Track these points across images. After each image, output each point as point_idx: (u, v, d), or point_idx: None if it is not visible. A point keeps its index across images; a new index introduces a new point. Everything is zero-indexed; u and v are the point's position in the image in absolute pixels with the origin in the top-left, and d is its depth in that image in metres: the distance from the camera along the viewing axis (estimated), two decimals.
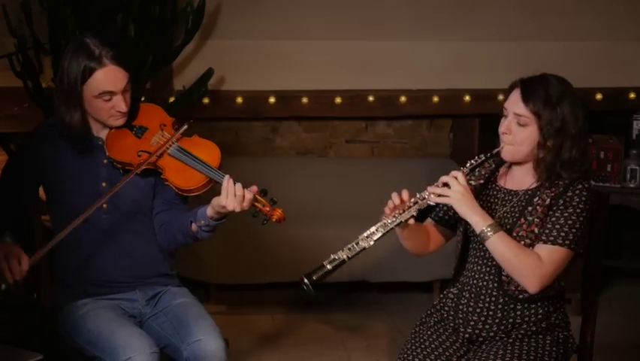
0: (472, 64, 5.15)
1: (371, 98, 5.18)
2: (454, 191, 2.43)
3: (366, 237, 2.47)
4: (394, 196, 2.49)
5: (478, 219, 2.43)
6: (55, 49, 4.21)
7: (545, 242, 2.45)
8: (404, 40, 5.11)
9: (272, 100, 5.06)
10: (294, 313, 4.63)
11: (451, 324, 2.61)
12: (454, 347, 2.56)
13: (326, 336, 4.34)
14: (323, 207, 5.02)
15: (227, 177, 2.56)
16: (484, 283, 2.54)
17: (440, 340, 2.58)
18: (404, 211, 2.46)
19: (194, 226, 2.69)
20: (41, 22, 4.25)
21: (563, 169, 2.48)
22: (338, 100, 5.14)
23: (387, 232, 2.47)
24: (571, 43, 5.20)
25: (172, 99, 4.63)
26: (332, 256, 2.46)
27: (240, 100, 5.02)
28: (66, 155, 2.74)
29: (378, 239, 2.47)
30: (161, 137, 2.72)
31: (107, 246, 2.74)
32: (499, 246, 2.42)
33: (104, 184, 2.74)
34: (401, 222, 2.46)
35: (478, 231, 2.43)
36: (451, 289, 2.65)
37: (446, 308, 2.63)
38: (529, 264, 2.42)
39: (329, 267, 2.43)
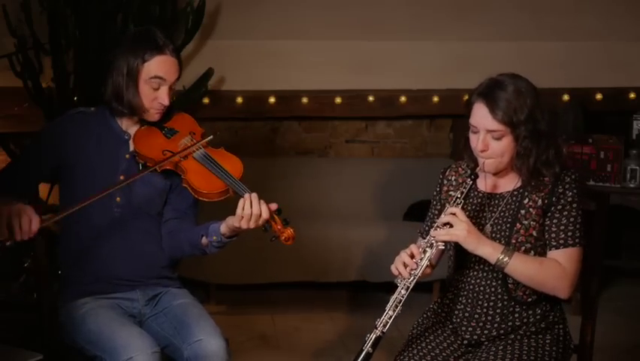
0: (472, 64, 5.14)
1: (371, 98, 5.18)
2: (459, 229, 2.41)
3: (394, 306, 2.44)
4: (404, 256, 2.45)
5: (489, 250, 2.42)
6: (55, 49, 4.21)
7: (557, 247, 2.46)
8: (404, 40, 5.12)
9: (272, 100, 5.06)
10: (294, 314, 4.63)
11: (450, 326, 2.60)
12: (452, 348, 2.56)
13: (326, 336, 4.34)
14: (323, 207, 5.02)
15: (246, 194, 2.58)
16: (482, 288, 2.53)
17: (438, 341, 2.57)
18: (417, 266, 2.43)
19: (204, 240, 2.72)
20: (41, 22, 4.25)
21: (544, 167, 2.46)
22: (338, 100, 5.14)
23: (410, 289, 2.45)
24: (571, 43, 5.20)
25: (172, 99, 4.63)
26: (367, 338, 2.45)
27: (240, 100, 5.02)
28: (90, 142, 2.77)
29: (404, 301, 2.45)
30: (189, 141, 2.77)
31: (114, 241, 2.76)
32: (519, 268, 2.42)
33: (121, 177, 2.76)
34: (417, 276, 2.45)
35: (493, 261, 2.42)
36: (447, 295, 2.64)
37: (443, 314, 2.63)
38: (553, 274, 2.43)
39: (370, 350, 2.43)
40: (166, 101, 2.74)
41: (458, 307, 2.57)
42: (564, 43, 5.19)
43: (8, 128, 4.47)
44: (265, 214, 2.56)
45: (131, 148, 2.78)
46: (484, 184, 2.58)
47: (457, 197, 2.45)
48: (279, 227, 2.59)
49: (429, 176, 5.12)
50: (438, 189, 2.67)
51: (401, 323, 4.29)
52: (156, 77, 2.71)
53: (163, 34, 2.78)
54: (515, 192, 2.52)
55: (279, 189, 4.89)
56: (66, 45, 4.26)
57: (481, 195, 2.57)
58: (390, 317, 2.43)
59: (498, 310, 2.51)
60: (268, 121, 5.28)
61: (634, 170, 4.54)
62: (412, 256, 2.44)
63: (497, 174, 2.54)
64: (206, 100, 4.84)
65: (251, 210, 2.55)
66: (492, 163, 2.47)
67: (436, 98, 5.18)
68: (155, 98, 2.73)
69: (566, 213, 2.46)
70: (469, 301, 2.55)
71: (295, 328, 4.44)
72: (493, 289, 2.52)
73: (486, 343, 2.53)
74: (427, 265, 2.45)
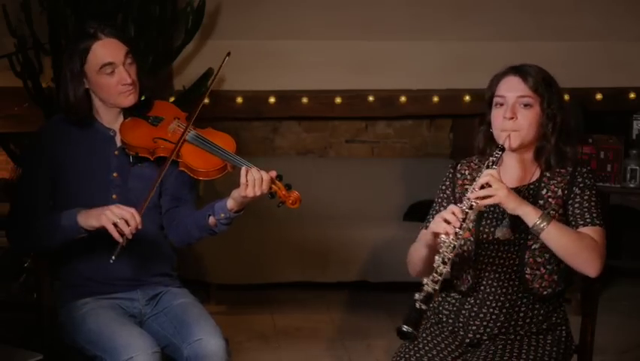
0: (472, 64, 5.14)
1: (371, 98, 5.18)
2: (498, 188, 2.37)
3: (442, 263, 2.34)
4: (447, 214, 2.36)
5: (529, 210, 2.38)
6: (55, 49, 4.21)
7: (585, 225, 2.45)
8: (404, 40, 5.12)
9: (272, 100, 5.06)
10: (294, 313, 4.63)
11: (451, 327, 2.60)
12: (450, 348, 2.55)
13: (326, 336, 4.34)
14: (323, 207, 5.02)
15: (243, 168, 2.60)
16: (493, 288, 2.52)
17: (436, 341, 2.57)
18: (461, 227, 2.35)
19: (211, 220, 2.70)
20: (41, 22, 4.26)
21: (567, 145, 2.49)
22: (338, 100, 5.15)
23: (455, 248, 2.35)
24: (571, 43, 5.20)
25: (172, 99, 4.63)
26: (418, 295, 2.32)
27: (240, 100, 5.02)
28: (75, 148, 2.75)
29: (453, 258, 2.36)
30: (177, 126, 2.75)
31: (109, 243, 2.74)
32: (558, 234, 2.38)
33: (114, 175, 2.75)
34: (461, 235, 2.36)
35: (531, 223, 2.37)
36: (452, 294, 2.62)
37: (445, 312, 2.62)
38: (588, 245, 2.41)
39: (423, 306, 2.30)
40: (127, 79, 2.68)
41: (466, 306, 2.56)
42: (564, 43, 5.19)
43: (8, 128, 4.48)
44: (266, 177, 2.59)
45: (119, 144, 2.76)
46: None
47: (490, 164, 2.41)
48: (283, 192, 2.63)
49: (429, 176, 5.15)
50: (448, 183, 2.63)
51: (401, 323, 4.28)
52: (104, 65, 2.67)
53: (94, 22, 2.71)
54: (532, 185, 2.52)
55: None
56: (66, 45, 4.26)
57: None
58: (440, 273, 2.32)
59: (504, 310, 2.51)
60: (268, 121, 5.28)
61: (634, 170, 4.54)
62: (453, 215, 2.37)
63: (512, 163, 2.52)
64: (206, 100, 4.83)
65: (253, 176, 2.57)
66: (517, 136, 2.46)
67: (436, 98, 5.18)
68: (116, 82, 2.68)
69: (587, 197, 2.47)
70: (477, 302, 2.54)
71: (295, 328, 4.44)
72: (504, 290, 2.50)
73: (487, 342, 2.53)
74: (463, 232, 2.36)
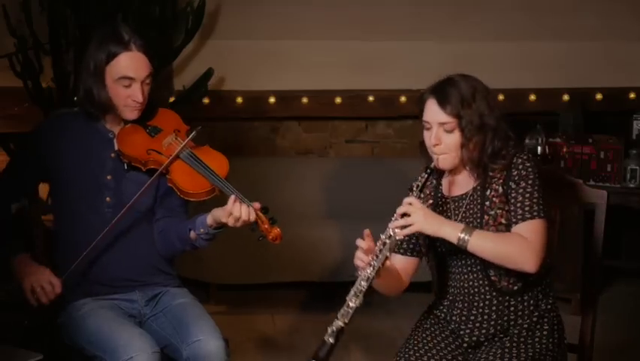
0: (472, 64, 5.11)
1: (371, 98, 5.18)
2: (416, 215, 2.42)
3: (354, 295, 2.44)
4: (360, 242, 2.48)
5: (449, 230, 2.41)
6: (55, 49, 4.22)
7: (517, 222, 2.45)
8: (404, 40, 5.12)
9: (272, 100, 5.07)
10: (294, 314, 4.63)
11: (449, 327, 2.60)
12: (450, 348, 2.56)
13: None
14: (323, 207, 5.02)
15: (232, 197, 2.59)
16: (476, 289, 2.53)
17: (435, 341, 2.57)
18: (377, 257, 2.44)
19: (192, 234, 2.70)
20: (41, 22, 4.26)
21: (491, 161, 2.49)
22: (338, 100, 5.15)
23: (371, 281, 2.45)
24: (571, 43, 5.20)
25: (172, 99, 4.64)
26: (329, 329, 2.42)
27: (240, 100, 5.02)
28: (72, 147, 2.75)
29: (365, 292, 2.45)
30: (174, 140, 2.74)
31: (108, 242, 2.74)
32: (481, 244, 2.40)
33: (109, 177, 2.75)
34: (379, 268, 2.44)
35: (455, 241, 2.41)
36: (442, 301, 2.63)
37: (442, 315, 2.63)
38: (517, 245, 2.40)
39: (331, 340, 2.39)
40: (139, 98, 2.69)
41: (454, 312, 2.57)
42: (564, 43, 5.19)
43: (8, 128, 4.48)
44: (252, 217, 2.58)
45: (116, 147, 2.76)
46: (447, 189, 2.60)
47: (413, 188, 2.48)
48: (265, 226, 2.61)
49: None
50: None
51: (401, 323, 4.30)
52: (124, 77, 2.67)
53: (130, 29, 2.72)
54: (477, 188, 2.53)
55: (279, 189, 4.90)
56: (66, 45, 4.26)
57: (448, 200, 2.58)
58: (352, 307, 2.44)
59: (494, 308, 2.51)
60: (268, 121, 5.28)
61: (634, 170, 4.55)
62: (370, 250, 2.46)
63: (455, 174, 2.56)
64: (206, 100, 4.85)
65: (240, 212, 2.56)
66: (446, 158, 2.50)
67: None
68: (127, 96, 2.68)
69: (521, 190, 2.46)
70: (465, 305, 2.55)
71: (295, 328, 4.44)
72: (484, 288, 2.52)
73: (485, 343, 2.53)
74: (390, 263, 2.47)
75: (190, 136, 2.73)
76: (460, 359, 2.55)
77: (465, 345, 2.55)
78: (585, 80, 5.23)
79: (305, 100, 5.12)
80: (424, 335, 2.60)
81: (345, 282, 4.78)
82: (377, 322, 4.50)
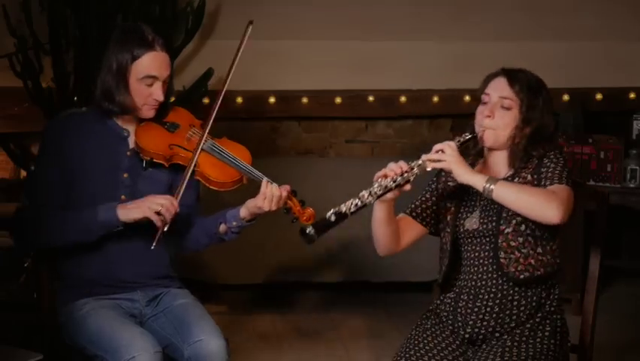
0: (472, 64, 5.13)
1: (371, 98, 5.18)
2: (449, 155, 2.47)
3: (369, 194, 2.49)
4: (393, 164, 2.52)
5: (478, 178, 2.45)
6: (55, 49, 4.22)
7: (546, 186, 2.48)
8: (404, 40, 5.12)
9: (272, 100, 5.06)
10: (294, 314, 4.63)
11: (450, 327, 2.60)
12: (450, 348, 2.56)
13: (326, 336, 4.34)
14: (323, 208, 5.01)
15: (264, 180, 2.65)
16: (483, 282, 2.54)
17: (436, 341, 2.58)
18: (401, 176, 2.49)
19: (222, 227, 2.74)
20: (41, 22, 4.26)
21: (534, 149, 2.54)
22: (338, 100, 5.15)
23: (387, 191, 2.48)
24: (571, 43, 5.20)
25: (172, 99, 4.63)
26: (335, 209, 2.47)
27: (239, 100, 5.02)
28: (89, 144, 2.75)
29: (379, 197, 2.49)
30: (194, 134, 2.77)
31: (112, 245, 2.74)
32: (507, 190, 2.42)
33: (125, 175, 2.75)
34: (400, 184, 2.47)
35: (480, 188, 2.43)
36: (448, 294, 2.64)
37: (445, 313, 2.63)
38: (542, 194, 2.43)
39: (332, 218, 2.44)
40: (160, 97, 2.72)
41: (460, 304, 2.58)
42: (564, 43, 5.19)
43: (8, 128, 4.47)
44: (285, 195, 2.66)
45: (131, 145, 2.77)
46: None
47: (455, 140, 2.54)
48: (298, 208, 2.69)
49: (429, 176, 5.14)
50: (435, 178, 2.72)
51: (401, 323, 4.31)
52: (148, 77, 2.70)
53: (152, 29, 2.75)
54: (509, 177, 2.57)
55: None
56: (66, 45, 4.26)
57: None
58: (362, 202, 2.51)
59: (497, 301, 2.52)
60: (268, 121, 5.28)
61: (634, 170, 4.55)
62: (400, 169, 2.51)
63: (490, 160, 2.60)
64: (206, 100, 4.84)
65: (272, 191, 2.63)
66: (491, 135, 2.55)
67: (436, 98, 5.18)
68: (149, 95, 2.71)
69: (550, 169, 2.50)
70: (471, 297, 2.56)
71: (295, 328, 4.44)
72: (492, 282, 2.53)
73: (486, 341, 2.53)
74: (409, 188, 2.50)
75: (209, 124, 2.76)
76: (460, 359, 2.55)
77: (467, 338, 2.55)
78: (585, 80, 5.22)
79: (305, 100, 5.12)
80: (424, 335, 2.60)
81: (346, 282, 4.81)
82: (377, 322, 4.50)
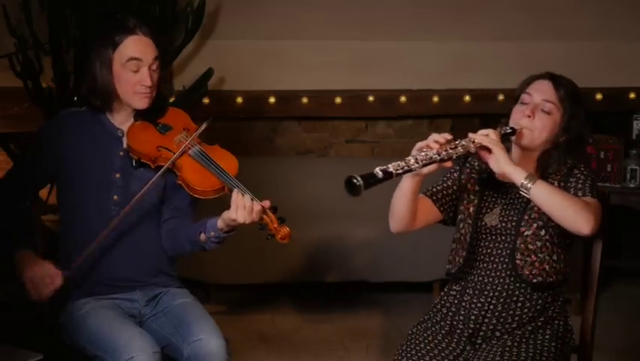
0: (472, 64, 5.15)
1: (371, 98, 5.18)
2: (496, 140, 2.43)
3: (416, 160, 2.38)
4: (438, 136, 2.43)
5: (518, 171, 2.41)
6: (55, 49, 4.22)
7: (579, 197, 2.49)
8: (404, 40, 5.12)
9: (272, 100, 5.07)
10: (294, 314, 4.64)
11: (450, 322, 2.60)
12: (451, 348, 2.56)
13: (326, 336, 4.34)
14: (323, 208, 5.02)
15: (235, 190, 2.58)
16: (491, 278, 2.55)
17: (436, 341, 2.58)
18: (448, 150, 2.40)
19: (202, 237, 2.70)
20: (41, 22, 4.26)
21: (565, 156, 2.54)
22: (338, 100, 5.15)
23: (431, 163, 2.39)
24: (571, 43, 5.20)
25: (172, 99, 4.63)
26: (383, 167, 2.37)
27: (239, 100, 5.02)
28: (84, 142, 2.75)
29: (423, 165, 2.39)
30: (184, 138, 2.74)
31: (111, 245, 2.74)
32: (545, 191, 2.39)
33: (117, 175, 2.75)
34: (443, 159, 2.40)
35: (518, 183, 2.40)
36: (454, 286, 2.64)
37: (447, 305, 2.63)
38: (579, 202, 2.41)
39: (380, 175, 2.35)
40: (148, 82, 2.69)
41: (465, 298, 2.58)
42: (564, 43, 5.19)
43: (8, 128, 4.47)
44: (257, 208, 2.56)
45: (125, 145, 2.76)
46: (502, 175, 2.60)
47: (497, 130, 2.49)
48: (274, 225, 2.59)
49: (429, 176, 5.14)
50: (458, 168, 2.69)
51: (401, 324, 4.30)
52: (132, 59, 2.67)
53: (135, 19, 2.74)
54: None
55: (279, 189, 4.89)
56: (66, 45, 4.26)
57: (496, 181, 2.59)
58: (409, 166, 2.37)
59: (501, 300, 2.53)
60: (268, 121, 5.28)
61: (634, 170, 4.55)
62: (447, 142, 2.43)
63: (517, 161, 2.56)
64: (206, 100, 4.85)
65: (244, 202, 2.55)
66: (528, 135, 2.53)
67: (436, 98, 5.18)
68: (137, 81, 2.69)
69: (581, 183, 2.51)
70: (476, 292, 2.56)
71: (295, 328, 4.44)
72: (500, 280, 2.53)
73: (486, 340, 2.53)
74: (451, 165, 2.45)
75: (199, 130, 2.74)
76: (460, 359, 2.55)
77: (466, 336, 2.55)
78: (585, 80, 5.18)
79: (305, 100, 5.12)
80: (424, 335, 2.60)
81: (346, 282, 4.81)
82: (377, 322, 4.50)
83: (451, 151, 2.41)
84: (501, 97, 5.04)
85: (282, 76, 5.05)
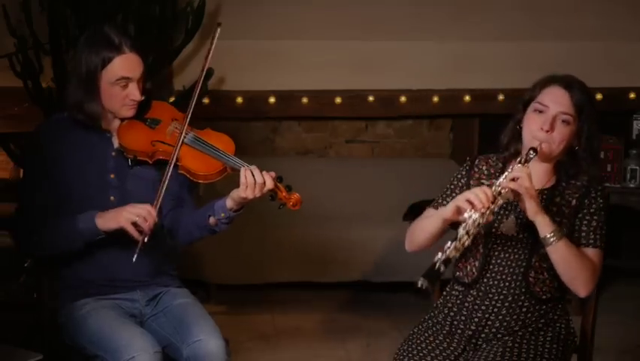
0: (472, 64, 5.15)
1: (371, 98, 5.18)
2: (528, 186, 2.39)
3: (466, 233, 2.34)
4: (479, 192, 2.37)
5: (546, 221, 2.40)
6: (55, 49, 4.21)
7: (587, 245, 2.49)
8: (404, 40, 5.12)
9: (272, 100, 5.07)
10: (294, 314, 4.63)
11: (451, 322, 2.59)
12: (451, 348, 2.55)
13: (326, 336, 4.34)
14: (323, 208, 5.02)
15: (242, 169, 2.61)
16: (496, 282, 2.53)
17: (437, 341, 2.57)
18: (488, 207, 2.37)
19: (212, 220, 2.70)
20: (41, 22, 4.26)
21: (589, 164, 2.52)
22: (338, 100, 5.15)
23: (479, 226, 2.37)
24: (571, 43, 5.20)
25: (172, 99, 4.63)
26: (439, 256, 2.32)
27: (239, 100, 5.03)
28: (72, 149, 2.74)
29: (475, 233, 2.37)
30: (175, 128, 2.75)
31: (112, 242, 2.74)
32: (565, 250, 2.42)
33: (111, 176, 2.74)
34: (486, 214, 2.36)
35: (542, 234, 2.41)
36: (456, 287, 2.63)
37: (449, 305, 2.62)
38: (588, 268, 2.45)
39: (442, 268, 2.30)
40: (137, 97, 2.69)
41: (468, 299, 2.57)
42: (564, 43, 5.19)
43: (8, 128, 4.47)
44: (269, 181, 2.60)
45: (116, 145, 2.75)
46: None
47: (522, 161, 2.43)
48: (284, 194, 2.63)
49: (429, 176, 5.15)
50: (464, 173, 2.64)
51: (401, 324, 4.30)
52: (121, 79, 2.67)
53: (117, 31, 2.71)
54: (546, 191, 2.54)
55: None
56: (66, 45, 4.26)
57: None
58: (462, 244, 2.32)
59: (506, 304, 2.52)
60: (268, 121, 5.28)
61: (634, 170, 4.55)
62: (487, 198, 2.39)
63: (533, 168, 2.52)
64: (206, 100, 4.84)
65: (254, 178, 2.58)
66: (547, 148, 2.48)
67: (436, 98, 5.18)
68: (125, 96, 2.69)
69: (596, 216, 2.50)
70: (480, 294, 2.55)
71: (295, 328, 4.44)
72: (508, 284, 2.52)
73: (487, 340, 2.53)
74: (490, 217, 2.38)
75: (188, 117, 2.73)
76: (461, 358, 2.55)
77: (466, 337, 2.54)
78: (585, 80, 5.19)
79: (305, 100, 5.12)
80: (425, 335, 2.60)
81: (346, 282, 4.80)
82: (377, 322, 4.50)
83: (492, 206, 2.38)
84: (501, 97, 5.04)
85: (282, 76, 5.05)
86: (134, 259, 2.55)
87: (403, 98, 5.19)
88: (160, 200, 2.64)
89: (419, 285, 2.28)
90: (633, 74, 5.28)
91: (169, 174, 2.66)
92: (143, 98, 2.72)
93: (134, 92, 2.69)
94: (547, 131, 2.47)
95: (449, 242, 2.33)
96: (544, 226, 2.40)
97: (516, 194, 2.40)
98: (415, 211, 5.05)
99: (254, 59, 5.01)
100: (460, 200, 2.40)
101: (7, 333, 3.12)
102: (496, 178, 2.51)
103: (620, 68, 5.26)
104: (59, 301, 2.76)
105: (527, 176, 2.39)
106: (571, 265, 2.44)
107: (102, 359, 2.59)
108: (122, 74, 2.66)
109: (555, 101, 2.50)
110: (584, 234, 2.50)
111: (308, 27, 5.02)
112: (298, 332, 4.40)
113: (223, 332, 2.67)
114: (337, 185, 5.19)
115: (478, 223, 2.35)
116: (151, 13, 4.40)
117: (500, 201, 2.39)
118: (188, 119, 2.73)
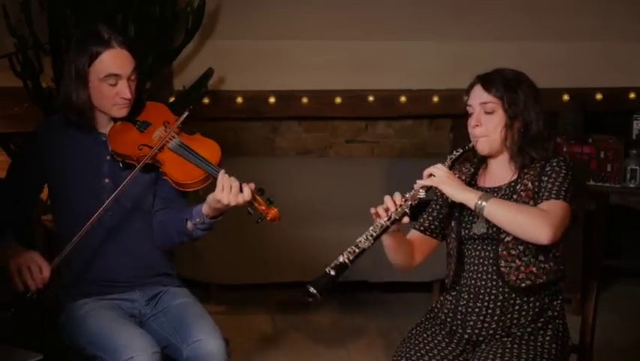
0: (472, 64, 5.10)
1: (371, 98, 5.18)
2: (440, 176, 2.49)
3: (365, 238, 2.47)
4: (387, 199, 2.52)
5: (469, 195, 2.46)
6: (55, 49, 4.21)
7: (542, 200, 2.48)
8: (404, 40, 5.12)
9: (272, 100, 5.07)
10: (294, 314, 4.63)
11: (450, 326, 2.60)
12: (450, 348, 2.56)
13: (326, 336, 4.34)
14: (323, 207, 5.02)
15: (221, 171, 2.57)
16: (483, 282, 2.54)
17: (436, 341, 2.58)
18: (397, 210, 2.48)
19: (189, 225, 2.68)
20: (41, 22, 4.26)
21: (531, 147, 2.54)
22: (338, 100, 5.15)
23: (385, 230, 2.47)
24: (571, 43, 5.21)
25: (172, 99, 4.64)
26: (333, 263, 2.43)
27: (239, 100, 5.02)
28: (69, 151, 2.74)
29: (376, 238, 2.47)
30: (163, 132, 2.72)
31: (108, 245, 2.74)
32: (499, 209, 2.42)
33: (106, 180, 2.74)
34: (396, 219, 2.47)
35: (472, 206, 2.44)
36: (450, 292, 2.64)
37: (445, 311, 2.63)
38: (533, 214, 2.42)
39: (332, 273, 2.39)
40: (127, 95, 2.68)
41: (461, 303, 2.58)
42: (564, 43, 5.19)
43: (8, 128, 4.47)
44: (246, 191, 2.53)
45: (110, 148, 2.74)
46: (483, 180, 2.65)
47: (446, 160, 2.56)
48: (262, 207, 2.57)
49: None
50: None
51: (401, 324, 4.30)
52: (110, 75, 2.66)
53: (108, 28, 2.70)
54: (512, 183, 2.57)
55: (278, 189, 4.89)
56: (66, 45, 4.26)
57: (481, 190, 2.59)
58: (359, 248, 2.47)
59: (499, 304, 2.52)
60: (268, 121, 5.28)
61: (634, 170, 4.55)
62: (395, 204, 2.51)
63: (494, 165, 2.60)
64: (206, 100, 4.84)
65: (230, 182, 2.53)
66: (485, 142, 2.57)
67: (436, 98, 5.18)
68: (115, 94, 2.68)
69: (552, 179, 2.49)
70: (471, 296, 2.56)
71: (295, 328, 4.44)
72: (492, 283, 2.53)
73: (485, 341, 2.53)
74: (408, 221, 2.49)
75: (177, 122, 2.71)
76: (460, 359, 2.55)
77: (465, 339, 2.55)
78: (585, 80, 5.23)
79: (305, 100, 5.12)
80: (424, 335, 2.60)
81: (345, 282, 4.79)
82: (377, 322, 4.50)
83: (400, 209, 2.47)
84: None
85: (281, 76, 5.05)
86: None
87: (403, 98, 5.19)
88: (114, 197, 2.60)
89: (310, 290, 2.38)
90: (633, 74, 5.28)
91: (133, 175, 2.62)
92: (132, 96, 2.69)
93: (124, 90, 2.67)
94: (477, 126, 2.57)
95: (347, 249, 2.46)
96: (471, 200, 2.45)
97: (435, 188, 2.51)
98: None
99: (254, 59, 5.01)
100: (377, 208, 2.53)
101: (7, 333, 3.12)
102: (469, 184, 2.61)
103: (619, 68, 5.26)
104: (59, 301, 2.76)
105: (438, 169, 2.49)
106: (511, 216, 2.41)
107: (101, 359, 2.59)
108: (110, 70, 2.65)
109: (474, 97, 2.62)
110: (540, 194, 2.49)
111: (308, 27, 5.02)
112: (298, 332, 4.40)
113: (223, 332, 2.67)
114: (337, 185, 5.19)
115: (381, 226, 2.47)
116: (151, 14, 4.40)
117: (410, 202, 2.48)
118: (176, 126, 2.70)
